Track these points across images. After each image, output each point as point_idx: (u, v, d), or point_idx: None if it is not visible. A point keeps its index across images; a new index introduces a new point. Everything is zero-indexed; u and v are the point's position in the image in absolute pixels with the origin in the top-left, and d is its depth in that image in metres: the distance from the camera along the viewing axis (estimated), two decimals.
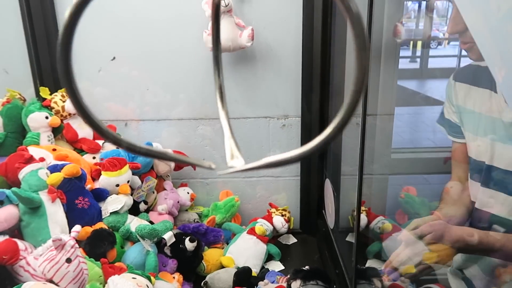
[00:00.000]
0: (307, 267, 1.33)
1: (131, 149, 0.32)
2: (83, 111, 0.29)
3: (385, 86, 1.48)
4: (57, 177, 1.14)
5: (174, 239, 1.36)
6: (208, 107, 1.67)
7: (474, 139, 1.10)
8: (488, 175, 1.05)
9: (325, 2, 1.46)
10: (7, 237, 1.03)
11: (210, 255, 1.46)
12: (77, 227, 1.02)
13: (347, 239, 1.63)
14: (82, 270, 0.96)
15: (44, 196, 1.10)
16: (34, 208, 1.07)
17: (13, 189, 1.05)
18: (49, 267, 0.94)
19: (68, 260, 0.94)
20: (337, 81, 1.53)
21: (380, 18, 1.33)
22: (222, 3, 1.39)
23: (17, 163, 1.13)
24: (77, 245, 0.98)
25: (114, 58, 1.62)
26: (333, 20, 1.49)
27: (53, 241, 0.94)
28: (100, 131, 0.30)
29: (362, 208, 1.55)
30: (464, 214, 1.20)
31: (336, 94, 1.55)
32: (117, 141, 0.32)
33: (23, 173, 1.12)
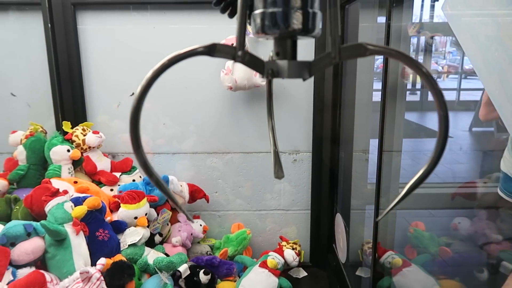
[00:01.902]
0: None
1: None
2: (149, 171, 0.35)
3: (396, 124, 1.54)
4: (82, 210, 1.18)
5: (189, 272, 1.38)
6: (219, 141, 1.73)
7: None
8: None
9: None
10: (33, 268, 1.06)
11: (223, 287, 1.48)
12: (103, 260, 1.06)
13: (357, 273, 1.65)
14: None
15: (69, 228, 1.14)
16: (60, 240, 1.11)
17: (42, 221, 1.09)
18: None
19: None
20: (347, 118, 1.60)
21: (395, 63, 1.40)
22: None
23: (44, 196, 1.18)
24: (102, 278, 1.01)
25: (133, 93, 1.69)
26: (345, 61, 1.57)
27: (80, 273, 0.98)
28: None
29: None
30: None
31: (346, 130, 1.62)
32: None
33: (49, 206, 1.16)
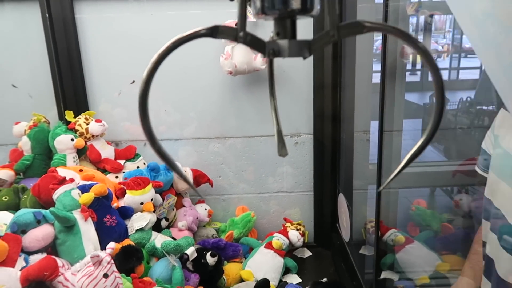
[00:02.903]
0: (325, 279, 1.39)
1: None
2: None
3: (396, 104, 1.55)
4: (89, 196, 1.21)
5: (196, 254, 1.41)
6: (221, 126, 1.74)
7: (497, 182, 0.90)
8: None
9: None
10: (45, 254, 1.09)
11: (230, 269, 1.51)
12: (112, 244, 1.08)
13: (361, 251, 1.68)
14: (118, 285, 1.02)
15: (77, 215, 1.17)
16: (69, 226, 1.14)
17: (51, 209, 1.11)
18: (87, 282, 1.00)
19: (105, 275, 1.00)
20: (348, 99, 1.61)
21: (393, 41, 1.41)
22: None
23: (51, 184, 1.20)
24: (112, 261, 1.04)
25: (133, 81, 1.70)
26: (344, 42, 1.57)
27: (91, 257, 1.00)
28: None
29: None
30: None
31: (347, 111, 1.63)
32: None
33: (57, 194, 1.18)
